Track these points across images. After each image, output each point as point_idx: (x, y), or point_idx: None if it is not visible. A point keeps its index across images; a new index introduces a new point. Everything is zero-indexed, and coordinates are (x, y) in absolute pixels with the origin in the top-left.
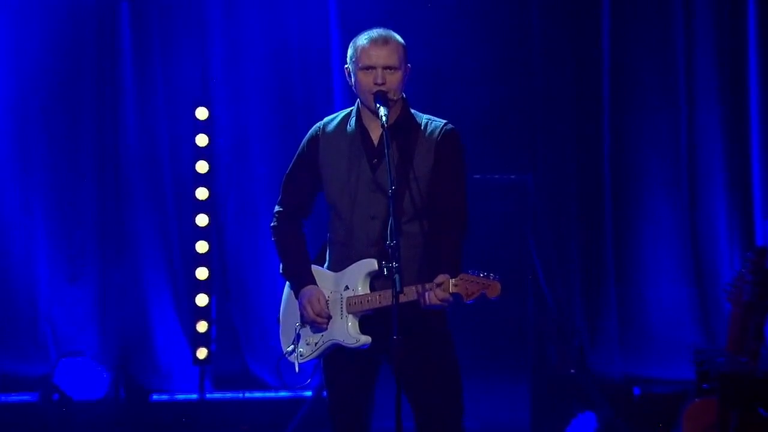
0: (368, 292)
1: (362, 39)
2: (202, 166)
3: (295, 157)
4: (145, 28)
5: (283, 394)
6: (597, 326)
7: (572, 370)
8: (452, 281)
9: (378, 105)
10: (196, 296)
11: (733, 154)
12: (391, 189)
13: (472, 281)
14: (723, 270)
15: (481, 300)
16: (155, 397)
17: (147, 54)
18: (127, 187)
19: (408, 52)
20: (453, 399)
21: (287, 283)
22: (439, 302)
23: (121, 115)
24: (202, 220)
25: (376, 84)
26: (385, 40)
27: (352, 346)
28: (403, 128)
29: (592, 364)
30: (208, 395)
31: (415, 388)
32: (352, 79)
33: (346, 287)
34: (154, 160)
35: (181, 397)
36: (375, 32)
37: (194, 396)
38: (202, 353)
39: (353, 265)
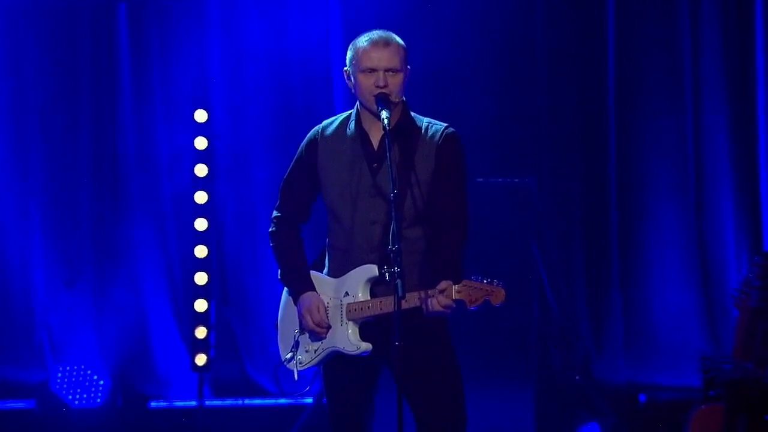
0: (369, 298)
1: (362, 41)
2: (201, 170)
3: (293, 162)
4: (143, 29)
5: (283, 401)
6: (602, 332)
7: (577, 377)
8: (455, 288)
9: (380, 108)
10: (194, 301)
11: (740, 157)
12: (393, 193)
13: (475, 288)
14: (730, 275)
15: (485, 307)
16: (153, 404)
17: (145, 56)
18: (125, 191)
19: (413, 56)
20: (455, 406)
21: (285, 288)
22: (441, 309)
23: (119, 117)
24: (201, 224)
25: (377, 87)
26: (386, 42)
27: (353, 353)
28: (403, 131)
29: (597, 371)
30: (207, 402)
31: (416, 395)
32: (352, 82)
33: (346, 293)
34: (152, 163)
35: (179, 404)
36: (375, 34)
37: (193, 403)
38: (200, 359)
39: (353, 270)
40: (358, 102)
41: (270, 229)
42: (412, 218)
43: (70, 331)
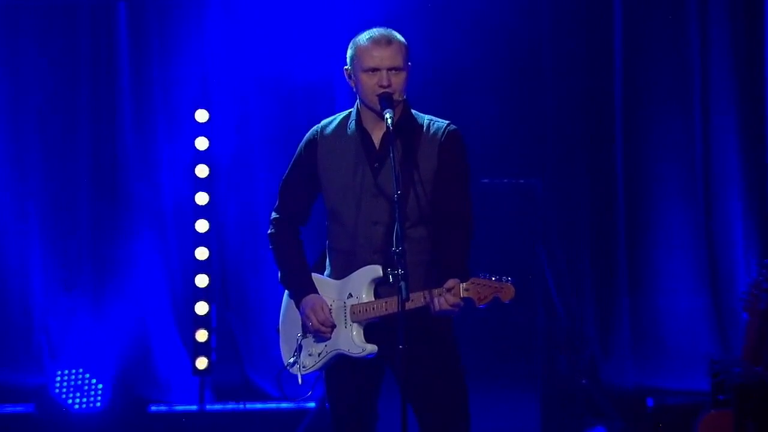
0: (373, 299)
1: (363, 39)
2: (201, 170)
3: (292, 162)
4: (143, 28)
5: (285, 405)
6: (609, 335)
7: (583, 381)
8: (463, 285)
9: (384, 108)
10: (195, 304)
11: (750, 159)
12: (397, 193)
13: (484, 285)
14: (739, 278)
15: (495, 304)
16: (153, 408)
17: (145, 55)
18: (124, 192)
19: (419, 57)
20: (459, 410)
21: (286, 292)
22: (450, 307)
23: (119, 117)
24: (202, 225)
25: (381, 86)
26: (389, 41)
27: (358, 355)
28: (405, 130)
29: (604, 375)
30: (207, 406)
31: (420, 398)
32: (354, 81)
33: (350, 295)
34: (152, 163)
35: (180, 408)
36: (376, 32)
37: (194, 407)
38: (201, 363)
39: (357, 272)
40: (358, 101)
41: (269, 231)
42: (416, 218)
43: (69, 334)
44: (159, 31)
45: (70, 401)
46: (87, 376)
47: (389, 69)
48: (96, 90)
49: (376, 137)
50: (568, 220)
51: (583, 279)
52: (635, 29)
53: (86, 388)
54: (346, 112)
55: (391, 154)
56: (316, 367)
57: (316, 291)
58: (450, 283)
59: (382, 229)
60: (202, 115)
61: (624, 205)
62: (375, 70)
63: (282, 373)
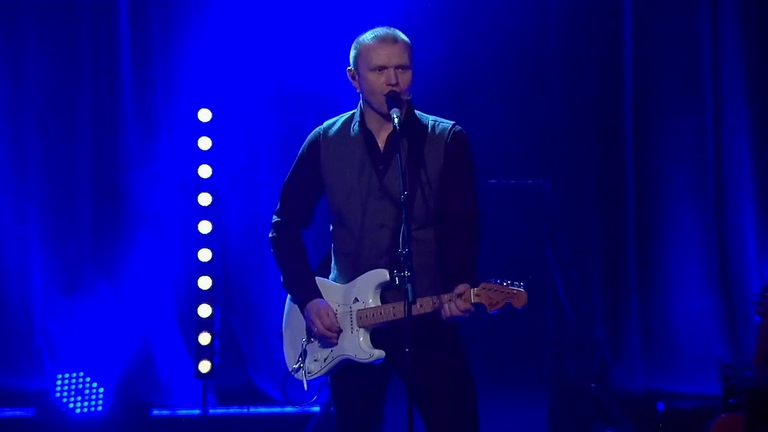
0: (379, 304)
1: (368, 38)
2: (204, 171)
3: (294, 164)
4: (145, 26)
5: (289, 409)
6: (619, 338)
7: (593, 385)
8: (474, 291)
9: (391, 107)
10: (198, 307)
11: (762, 159)
12: (404, 195)
13: (495, 290)
14: (751, 280)
15: (507, 310)
16: (156, 412)
17: (147, 53)
18: (125, 193)
19: (426, 58)
20: (468, 415)
21: (289, 296)
22: (460, 313)
23: (119, 117)
24: (205, 227)
25: (389, 85)
26: (394, 39)
27: (365, 361)
28: (410, 130)
29: (614, 378)
30: (210, 410)
31: (427, 403)
32: (359, 81)
33: (356, 299)
34: (154, 164)
35: (182, 412)
36: (381, 31)
37: (196, 411)
38: (204, 366)
39: (363, 276)
40: (361, 101)
41: (270, 235)
42: (423, 219)
43: (70, 337)
44: (161, 29)
45: (71, 405)
46: (88, 379)
47: (396, 67)
48: (97, 89)
49: (381, 139)
50: (577, 221)
51: (593, 281)
52: (645, 27)
53: (87, 391)
54: (348, 114)
55: (399, 155)
56: (321, 372)
57: (320, 295)
58: (460, 288)
59: (389, 232)
60: (205, 115)
61: (634, 205)
62: (382, 68)
63: (287, 378)
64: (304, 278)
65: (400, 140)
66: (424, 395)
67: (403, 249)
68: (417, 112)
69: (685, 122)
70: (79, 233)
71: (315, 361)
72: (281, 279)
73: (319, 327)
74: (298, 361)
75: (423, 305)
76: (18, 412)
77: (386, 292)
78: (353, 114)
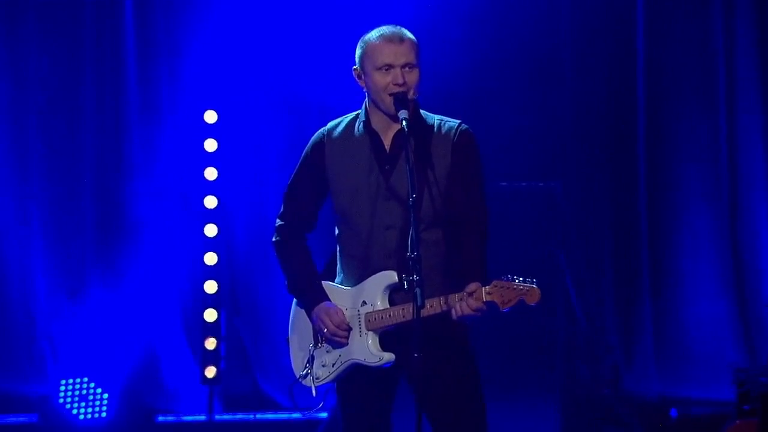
0: (388, 306)
1: (374, 37)
2: (210, 173)
3: (297, 166)
4: (150, 25)
5: (296, 415)
6: (631, 343)
7: (605, 391)
8: (485, 289)
9: (398, 108)
10: (204, 311)
11: None
12: (413, 196)
13: (507, 288)
14: (766, 284)
15: (520, 307)
16: (161, 418)
17: (152, 53)
18: (130, 195)
19: (435, 58)
20: (476, 420)
21: (294, 301)
22: (472, 312)
23: (123, 118)
24: (210, 230)
25: (396, 84)
26: (401, 37)
27: (375, 364)
28: (416, 130)
29: (627, 384)
30: (217, 417)
31: (435, 408)
32: (365, 81)
33: (364, 302)
34: (158, 166)
35: (188, 418)
36: (387, 29)
37: (202, 417)
38: (210, 372)
39: (370, 278)
40: (366, 101)
41: (274, 239)
42: (431, 220)
43: (73, 342)
44: (166, 29)
45: (74, 411)
46: (92, 385)
47: (403, 66)
48: (100, 89)
49: (386, 139)
50: (589, 223)
51: (605, 285)
52: (658, 28)
53: (91, 397)
54: (353, 114)
55: (408, 155)
56: (330, 378)
57: (327, 299)
58: (471, 286)
59: (396, 233)
60: (211, 116)
61: (646, 208)
62: (389, 67)
63: (294, 384)
64: (310, 282)
65: (408, 142)
66: (433, 400)
67: (412, 252)
68: (422, 111)
69: (698, 123)
70: (83, 235)
71: (323, 366)
72: (286, 283)
73: (329, 326)
74: (306, 367)
75: (432, 306)
76: (21, 419)
77: (395, 294)
78: (358, 114)
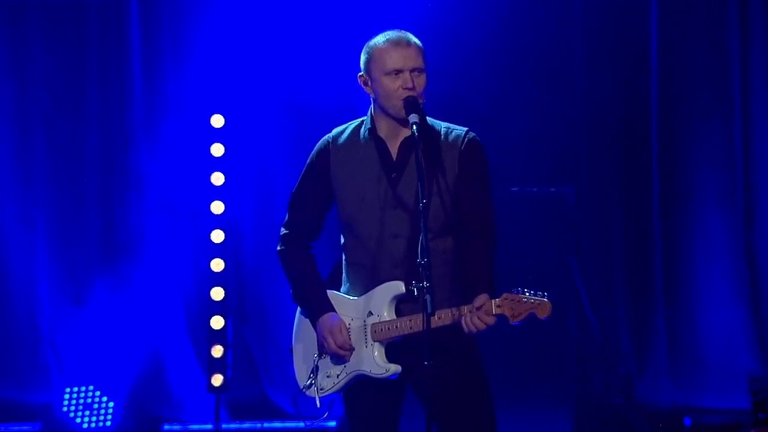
0: (395, 317)
1: (381, 42)
2: (217, 178)
3: (302, 174)
4: (156, 28)
5: (303, 424)
6: (644, 351)
7: (617, 399)
8: (495, 302)
9: (409, 113)
10: (210, 318)
11: None
12: (423, 202)
13: (518, 301)
14: None
15: (531, 321)
16: (167, 427)
17: (157, 56)
18: (135, 201)
19: (446, 61)
20: (486, 428)
21: (299, 309)
22: (484, 326)
23: (129, 122)
24: (217, 236)
25: (406, 89)
26: (408, 42)
27: (381, 376)
28: (423, 137)
29: (640, 393)
30: (223, 425)
31: (445, 418)
32: (372, 87)
33: (370, 313)
34: (164, 171)
35: (194, 427)
36: (393, 34)
37: (209, 426)
38: (217, 380)
39: (377, 288)
40: (371, 108)
41: (278, 248)
42: (438, 229)
43: (78, 349)
44: (173, 32)
45: (78, 420)
46: (98, 393)
47: (412, 70)
48: (105, 93)
49: (393, 146)
50: (602, 229)
51: (618, 292)
52: (671, 29)
53: (96, 406)
54: (358, 121)
55: (419, 160)
56: (334, 389)
57: (333, 309)
58: (480, 299)
59: (403, 242)
60: (217, 121)
61: (660, 214)
62: (398, 72)
63: (298, 394)
64: (316, 291)
65: (419, 147)
66: (442, 410)
67: (422, 259)
68: (429, 118)
69: (713, 128)
70: (87, 241)
71: (328, 377)
72: (291, 293)
73: (331, 344)
74: (310, 377)
75: (442, 317)
76: (24, 428)
77: (401, 304)
78: (363, 121)
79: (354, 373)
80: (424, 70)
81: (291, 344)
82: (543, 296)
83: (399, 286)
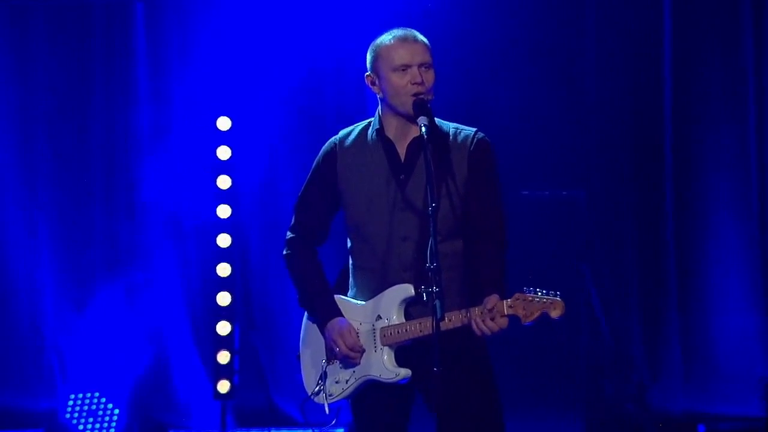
0: (404, 321)
1: (387, 39)
2: (224, 182)
3: (309, 177)
4: (162, 30)
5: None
6: (658, 358)
7: (630, 407)
8: (507, 302)
9: (417, 114)
10: (217, 324)
11: None
12: (432, 205)
13: (530, 301)
14: None
15: (544, 320)
16: None
17: (163, 58)
18: (140, 205)
19: (455, 61)
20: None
21: (305, 315)
22: (497, 328)
23: (134, 124)
24: (224, 240)
25: (415, 84)
26: (415, 38)
27: (390, 381)
28: (431, 138)
29: (652, 400)
30: None
31: (452, 423)
32: (380, 85)
33: (379, 317)
34: (170, 174)
35: None
36: (399, 31)
37: None
38: (223, 386)
39: (386, 292)
40: (379, 108)
41: (284, 252)
42: (447, 232)
43: (82, 355)
44: (179, 33)
45: (81, 427)
46: (103, 400)
47: (420, 65)
48: (110, 95)
49: (401, 147)
50: (614, 233)
51: (630, 297)
52: (685, 29)
53: (101, 412)
54: (365, 122)
55: (429, 161)
56: (344, 395)
57: (340, 314)
58: (491, 301)
59: (412, 245)
60: (224, 123)
61: (673, 218)
62: (406, 67)
63: (306, 401)
64: (323, 296)
65: (428, 148)
66: (452, 415)
67: (431, 263)
68: (437, 119)
69: (727, 130)
70: (92, 246)
71: (336, 383)
72: (298, 298)
73: (341, 347)
74: (318, 383)
75: (452, 320)
76: None
77: (411, 307)
78: (370, 122)
79: (363, 379)
80: (432, 65)
81: (298, 351)
82: (555, 295)
83: (408, 289)
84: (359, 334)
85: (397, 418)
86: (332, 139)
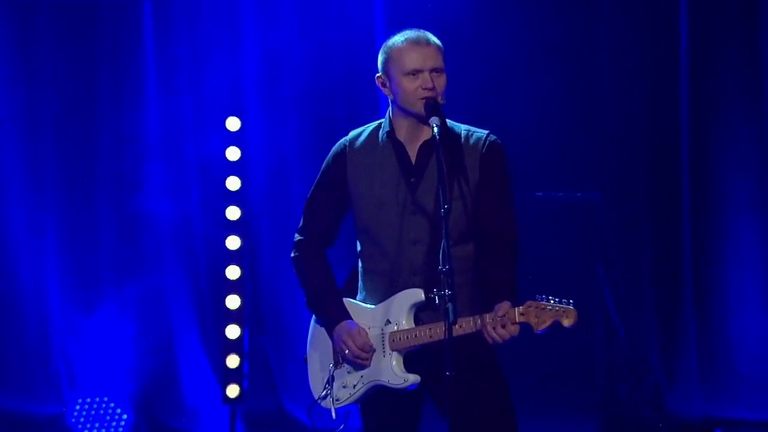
0: (413, 325)
1: (399, 41)
2: (233, 183)
3: (318, 178)
4: (171, 30)
5: None
6: (674, 361)
7: (646, 411)
8: (518, 309)
9: (429, 115)
10: (226, 327)
11: None
12: (444, 207)
13: (542, 308)
14: None
15: (555, 329)
16: None
17: (172, 59)
18: (148, 207)
19: (468, 61)
20: None
21: (313, 318)
22: (508, 336)
23: (143, 126)
24: (233, 242)
25: (425, 89)
26: (427, 41)
27: (399, 387)
28: (443, 140)
29: (669, 404)
30: None
31: (466, 429)
32: (390, 88)
33: (388, 321)
34: (179, 176)
35: None
36: (412, 33)
37: None
38: (232, 391)
39: (396, 296)
40: (390, 110)
41: (292, 255)
42: (458, 235)
43: (89, 359)
44: (188, 33)
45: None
46: (112, 405)
47: (431, 70)
48: (118, 96)
49: (412, 150)
50: (630, 236)
51: (646, 300)
52: (701, 29)
53: (108, 417)
54: (375, 123)
55: (441, 163)
56: (351, 400)
57: (349, 317)
58: (503, 308)
59: (423, 249)
60: (233, 124)
61: (690, 219)
62: (417, 72)
63: (313, 406)
64: (332, 299)
65: (440, 151)
66: (464, 420)
67: (444, 265)
68: (448, 121)
69: (745, 130)
70: (99, 248)
71: (344, 387)
72: (306, 301)
73: (351, 348)
74: (326, 388)
75: (463, 326)
76: None
77: (420, 312)
78: (381, 123)
79: (371, 384)
80: (444, 70)
81: (305, 354)
82: (568, 303)
83: (418, 294)
84: None
85: (407, 424)
86: (342, 140)
